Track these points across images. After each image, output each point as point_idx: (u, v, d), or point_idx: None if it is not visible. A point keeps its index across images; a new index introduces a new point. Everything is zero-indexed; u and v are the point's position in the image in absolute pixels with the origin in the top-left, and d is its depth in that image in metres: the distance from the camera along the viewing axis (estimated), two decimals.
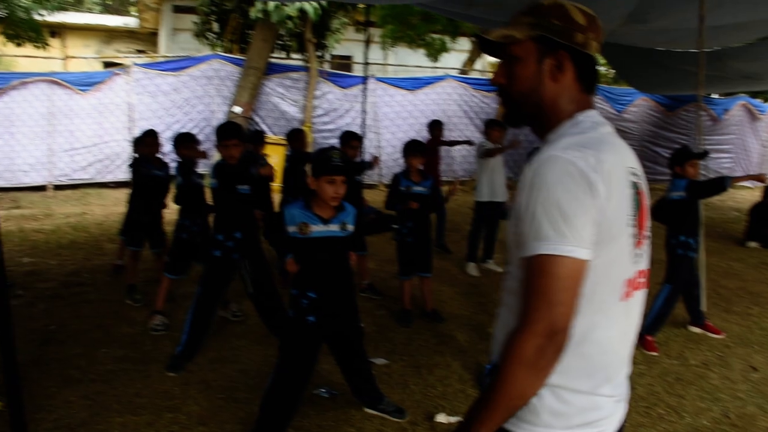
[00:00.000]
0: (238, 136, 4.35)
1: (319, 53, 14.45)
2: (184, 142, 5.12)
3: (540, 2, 1.47)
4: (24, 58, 15.27)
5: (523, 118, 1.53)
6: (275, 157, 10.69)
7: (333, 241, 3.19)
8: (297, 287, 3.21)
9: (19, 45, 13.93)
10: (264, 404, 3.28)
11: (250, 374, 4.20)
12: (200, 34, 15.56)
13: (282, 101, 13.54)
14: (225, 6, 14.59)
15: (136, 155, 6.07)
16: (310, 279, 3.18)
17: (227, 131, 4.35)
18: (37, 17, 13.58)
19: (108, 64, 18.08)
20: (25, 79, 11.74)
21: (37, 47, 14.09)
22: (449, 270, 7.02)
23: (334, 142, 12.73)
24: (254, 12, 12.24)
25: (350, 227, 3.26)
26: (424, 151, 5.38)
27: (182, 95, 12.91)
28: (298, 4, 11.95)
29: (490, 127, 6.96)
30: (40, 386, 3.90)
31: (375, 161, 6.51)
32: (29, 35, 13.59)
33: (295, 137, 6.42)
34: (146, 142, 5.76)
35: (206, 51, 14.83)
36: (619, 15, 5.12)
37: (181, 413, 3.65)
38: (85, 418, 3.55)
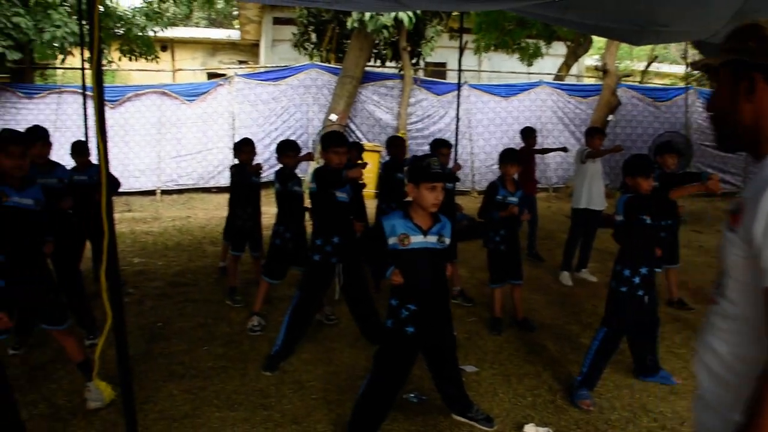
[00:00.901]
0: (348, 144, 4.45)
1: (413, 61, 14.56)
2: (285, 149, 5.29)
3: (739, 25, 1.48)
4: (137, 71, 16.23)
5: (732, 141, 1.53)
6: (370, 164, 10.85)
7: (431, 253, 3.21)
8: (396, 298, 3.25)
9: (132, 59, 14.83)
10: (356, 408, 3.34)
11: (342, 376, 4.28)
12: (299, 45, 16.03)
13: (377, 109, 13.74)
14: (322, 17, 14.96)
15: (236, 162, 6.33)
16: (409, 290, 3.21)
17: (337, 138, 4.44)
18: (149, 33, 14.40)
19: (212, 75, 18.93)
20: (138, 91, 12.53)
21: (149, 61, 14.96)
22: (542, 278, 6.90)
23: (428, 149, 12.85)
24: (351, 22, 12.50)
25: (447, 240, 3.27)
26: (520, 160, 5.34)
27: (281, 104, 13.35)
28: (393, 14, 12.10)
29: (591, 135, 6.82)
30: (148, 379, 4.13)
31: (455, 168, 6.49)
32: (142, 50, 14.44)
33: (395, 144, 6.47)
34: (243, 150, 6.01)
35: (304, 61, 15.24)
36: (726, 14, 4.88)
37: (275, 411, 3.77)
38: (187, 411, 3.74)
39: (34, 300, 3.69)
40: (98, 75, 2.51)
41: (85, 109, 6.05)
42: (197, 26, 29.05)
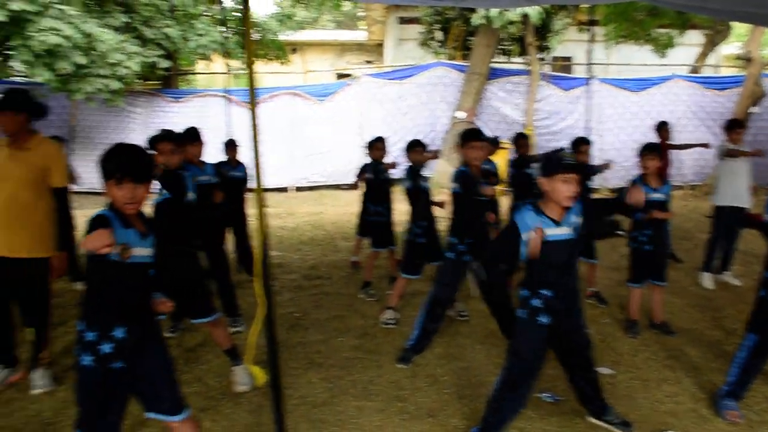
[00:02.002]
0: (485, 139, 4.48)
1: (539, 55, 14.27)
2: (414, 147, 5.38)
3: None
4: (270, 74, 17.02)
5: None
6: (498, 160, 10.77)
7: (566, 244, 3.17)
8: (528, 288, 3.24)
9: (265, 63, 15.62)
10: (491, 402, 3.35)
11: (474, 372, 4.30)
12: (424, 43, 16.16)
13: (503, 105, 13.60)
14: (447, 15, 14.99)
15: (368, 160, 6.51)
16: (542, 281, 3.19)
17: (476, 134, 4.46)
18: (281, 37, 15.10)
19: (340, 76, 19.49)
20: (272, 93, 13.14)
21: (281, 64, 15.68)
22: (679, 280, 6.55)
23: (556, 145, 12.53)
24: (477, 18, 12.44)
25: (577, 220, 3.20)
26: (662, 153, 5.11)
27: (408, 102, 13.53)
28: (520, 9, 11.93)
29: (729, 128, 6.40)
30: (288, 366, 4.33)
31: (606, 166, 6.29)
32: (275, 53, 15.17)
33: (521, 142, 6.44)
34: (376, 147, 6.17)
35: (429, 59, 15.34)
36: None
37: (410, 403, 3.85)
38: (326, 399, 3.90)
39: (184, 293, 3.91)
40: (252, 80, 2.68)
41: (228, 109, 6.45)
42: (324, 29, 29.95)
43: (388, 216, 6.16)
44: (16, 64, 10.64)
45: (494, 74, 13.52)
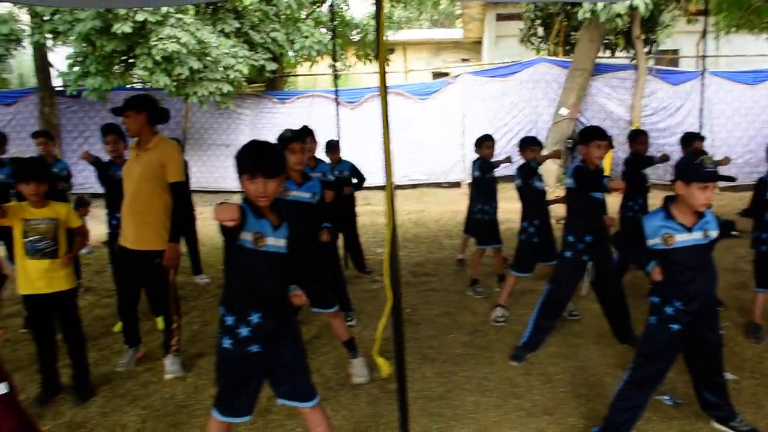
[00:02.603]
0: (608, 138, 4.39)
1: (646, 49, 13.76)
2: (529, 145, 5.32)
3: None
4: (370, 74, 17.25)
5: None
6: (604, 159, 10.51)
7: (696, 249, 3.08)
8: (658, 295, 3.17)
9: (366, 63, 15.87)
10: (614, 403, 3.30)
11: (590, 372, 4.23)
12: (525, 40, 15.94)
13: (608, 101, 13.22)
14: (549, 10, 14.72)
15: (477, 157, 6.51)
16: (673, 289, 3.11)
17: (599, 132, 4.39)
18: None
19: (436, 75, 19.52)
20: (374, 92, 13.35)
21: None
22: None
23: (664, 142, 12.15)
24: (582, 13, 12.15)
25: (713, 233, 3.12)
26: None
27: (510, 99, 13.41)
28: (627, 2, 11.55)
29: None
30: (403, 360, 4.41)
31: (723, 162, 5.99)
32: (376, 53, 15.37)
33: (640, 138, 6.16)
34: (485, 145, 6.15)
35: (529, 56, 15.13)
36: None
37: (525, 401, 3.84)
38: (442, 393, 3.95)
39: (308, 284, 4.10)
40: (384, 79, 2.76)
41: (337, 108, 6.60)
42: (419, 28, 30.04)
43: (494, 214, 6.14)
44: (137, 71, 11.35)
45: (599, 70, 13.17)
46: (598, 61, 13.16)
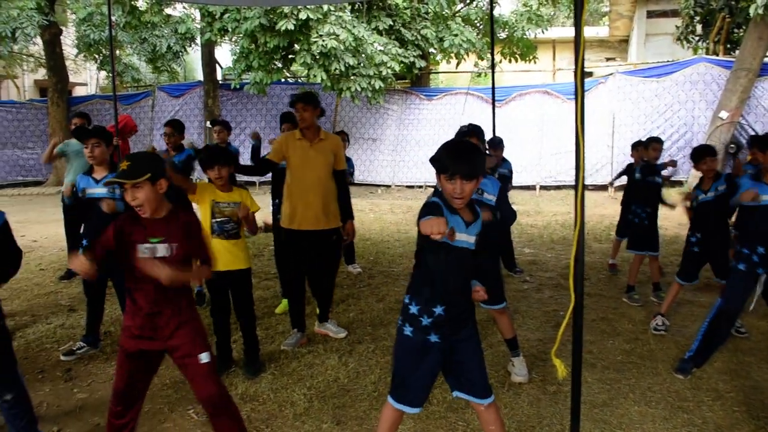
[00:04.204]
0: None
1: None
2: (704, 156, 5.02)
3: None
4: (514, 72, 17.10)
5: None
6: None
7: None
8: (748, 247, 3.04)
9: (511, 61, 15.69)
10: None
11: (765, 392, 3.99)
12: (681, 38, 15.11)
13: None
14: (711, 6, 13.86)
15: (633, 160, 6.31)
16: (758, 239, 2.98)
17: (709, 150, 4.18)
18: (529, 36, 15.09)
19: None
20: (522, 91, 13.22)
21: (527, 62, 15.65)
22: None
23: None
24: (754, 9, 11.31)
25: None
26: None
27: (664, 101, 12.79)
28: None
29: None
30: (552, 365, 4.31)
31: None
32: (522, 52, 15.21)
33: None
34: (652, 147, 5.93)
35: (684, 54, 14.35)
36: None
37: (695, 416, 3.68)
38: (605, 400, 3.87)
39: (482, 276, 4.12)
40: (581, 76, 2.74)
41: (494, 106, 6.52)
42: (562, 26, 29.25)
43: (654, 219, 5.91)
44: (295, 67, 11.93)
45: (765, 70, 12.25)
46: (766, 60, 12.24)
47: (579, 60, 2.76)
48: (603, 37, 23.86)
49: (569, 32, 23.99)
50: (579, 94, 2.78)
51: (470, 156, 2.66)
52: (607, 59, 23.24)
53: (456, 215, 2.70)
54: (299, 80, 14.76)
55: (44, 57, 16.17)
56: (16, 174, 15.72)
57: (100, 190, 4.50)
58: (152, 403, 3.75)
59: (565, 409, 3.66)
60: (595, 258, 7.53)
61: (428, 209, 2.66)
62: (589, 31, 25.45)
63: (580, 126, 2.76)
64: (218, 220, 4.14)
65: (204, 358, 2.96)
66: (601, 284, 6.43)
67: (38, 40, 14.54)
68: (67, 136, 13.45)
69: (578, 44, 2.76)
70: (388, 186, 14.57)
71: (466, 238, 2.71)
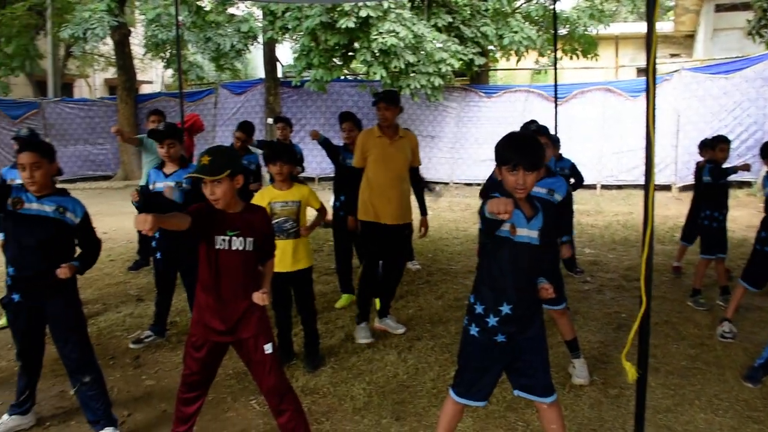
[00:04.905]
0: None
1: None
2: None
3: None
4: (574, 69, 16.79)
5: None
6: None
7: None
8: None
9: (572, 58, 15.39)
10: None
11: None
12: (753, 32, 14.52)
13: None
14: None
15: (705, 160, 6.12)
16: None
17: None
18: (591, 32, 14.78)
19: (641, 71, 18.44)
20: (583, 88, 13.00)
21: (588, 59, 15.34)
22: None
23: None
24: None
25: None
26: None
27: (733, 99, 12.37)
28: None
29: None
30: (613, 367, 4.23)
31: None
32: (584, 48, 14.91)
33: None
34: (719, 148, 5.75)
35: (755, 50, 13.79)
36: None
37: (766, 426, 3.57)
38: (669, 406, 3.78)
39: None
40: (653, 73, 2.70)
41: (555, 104, 6.48)
42: (624, 22, 28.51)
43: (723, 222, 5.74)
44: (355, 64, 12.04)
45: None
46: None
47: (651, 56, 2.72)
48: (667, 33, 23.12)
49: (632, 28, 23.46)
50: (651, 91, 2.74)
51: (533, 147, 2.67)
52: (672, 55, 22.55)
53: (516, 210, 2.67)
54: (359, 78, 14.86)
55: (114, 56, 16.77)
56: (86, 168, 16.33)
57: (168, 184, 4.66)
58: (215, 392, 3.85)
59: (628, 413, 3.61)
60: (657, 260, 7.34)
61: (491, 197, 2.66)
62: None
63: (652, 124, 2.72)
64: (277, 220, 4.19)
65: (268, 349, 3.03)
66: (665, 287, 6.28)
67: (108, 40, 15.08)
68: (134, 131, 13.95)
69: (650, 40, 2.72)
70: (446, 183, 14.55)
71: (527, 233, 2.70)
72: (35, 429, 3.57)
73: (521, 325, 2.77)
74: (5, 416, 3.53)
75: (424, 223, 5.19)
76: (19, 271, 3.30)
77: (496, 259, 2.73)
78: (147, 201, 4.72)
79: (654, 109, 2.73)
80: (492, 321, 2.74)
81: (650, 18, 2.72)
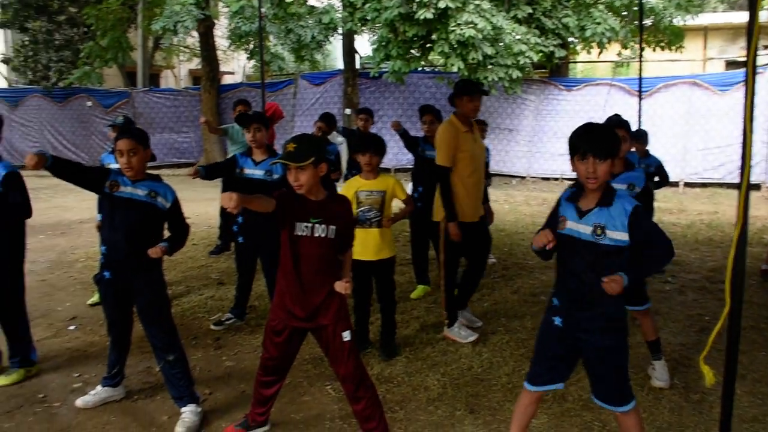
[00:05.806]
0: None
1: None
2: None
3: None
4: (658, 62, 16.16)
5: None
6: None
7: None
8: None
9: (656, 50, 14.82)
10: None
11: None
12: None
13: None
14: None
15: None
16: None
17: None
18: (678, 23, 14.20)
19: (730, 64, 17.64)
20: (668, 81, 12.53)
21: (673, 51, 14.75)
22: None
23: None
24: None
25: None
26: None
27: None
28: None
29: None
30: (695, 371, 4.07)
31: None
32: (670, 40, 14.34)
33: None
34: None
35: None
36: None
37: None
38: (756, 415, 3.64)
39: None
40: (752, 66, 2.59)
41: (640, 98, 6.28)
42: (714, 11, 27.20)
43: None
44: (433, 55, 12.01)
45: None
46: None
47: (752, 47, 2.61)
48: (761, 23, 21.90)
49: (721, 18, 22.35)
50: (750, 84, 2.63)
51: (604, 135, 2.63)
52: (765, 47, 21.39)
53: (570, 204, 2.72)
54: (436, 69, 14.81)
55: (198, 48, 17.30)
56: (171, 156, 16.97)
57: (258, 172, 4.77)
58: (292, 376, 3.94)
59: (710, 420, 3.51)
60: (752, 264, 7.04)
61: (554, 209, 2.83)
62: (743, 17, 23.51)
63: (749, 119, 2.62)
64: (362, 209, 4.25)
65: (347, 336, 3.10)
66: (752, 291, 6.01)
67: (194, 32, 15.58)
68: (217, 120, 14.38)
69: (751, 30, 2.61)
70: (523, 177, 14.35)
71: (576, 227, 2.67)
72: (124, 401, 3.78)
73: (593, 326, 2.72)
74: (98, 387, 3.75)
75: (491, 217, 5.34)
76: (110, 250, 3.49)
77: (560, 254, 2.80)
78: (237, 181, 4.80)
79: (753, 103, 2.61)
80: (557, 321, 2.81)
81: (753, 6, 2.60)
